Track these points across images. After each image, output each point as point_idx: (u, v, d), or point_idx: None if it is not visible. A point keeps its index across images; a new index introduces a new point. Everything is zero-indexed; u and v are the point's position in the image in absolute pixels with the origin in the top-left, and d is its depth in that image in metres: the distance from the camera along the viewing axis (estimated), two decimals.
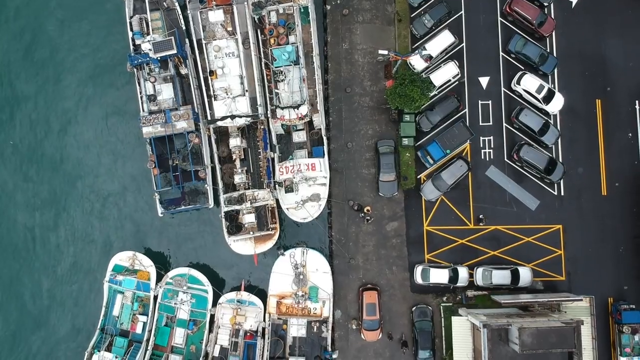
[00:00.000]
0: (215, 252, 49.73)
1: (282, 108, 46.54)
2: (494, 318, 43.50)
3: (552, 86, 48.93)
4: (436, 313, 47.37)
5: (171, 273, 47.94)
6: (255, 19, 47.55)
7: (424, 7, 49.65)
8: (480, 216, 47.41)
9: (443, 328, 47.08)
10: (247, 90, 46.53)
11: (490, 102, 49.06)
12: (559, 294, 46.44)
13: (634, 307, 46.19)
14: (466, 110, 49.18)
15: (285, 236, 49.72)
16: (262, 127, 48.45)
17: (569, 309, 45.22)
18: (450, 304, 47.31)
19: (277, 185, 47.82)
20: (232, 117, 46.42)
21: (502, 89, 49.09)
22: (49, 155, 51.59)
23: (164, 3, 48.59)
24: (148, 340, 46.81)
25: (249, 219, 46.79)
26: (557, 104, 48.12)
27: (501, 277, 46.20)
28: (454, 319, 45.93)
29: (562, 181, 48.27)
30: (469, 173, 48.11)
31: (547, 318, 42.81)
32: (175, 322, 47.21)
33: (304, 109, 46.15)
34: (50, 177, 51.29)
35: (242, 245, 47.84)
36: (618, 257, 48.05)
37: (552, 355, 40.98)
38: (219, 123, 46.74)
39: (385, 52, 45.38)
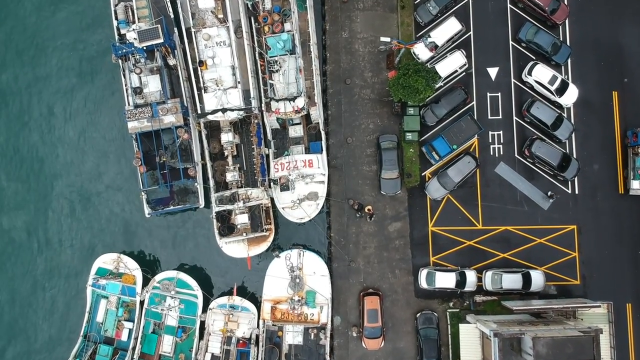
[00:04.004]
0: (206, 254, 48.65)
1: (277, 100, 45.14)
2: (505, 326, 41.59)
3: (566, 77, 47.51)
4: (442, 320, 45.94)
5: (158, 277, 46.78)
6: (248, 6, 45.96)
7: None
8: (550, 193, 46.00)
9: (450, 336, 45.58)
10: (239, 82, 45.12)
11: (499, 94, 47.69)
12: (574, 299, 44.75)
13: None
14: (474, 103, 47.76)
15: (281, 237, 48.41)
16: (255, 121, 47.11)
17: (585, 316, 43.41)
18: (457, 310, 45.86)
19: (272, 184, 46.48)
20: (224, 110, 45.06)
21: (512, 80, 47.79)
22: (27, 152, 50.04)
23: None
24: (134, 348, 45.66)
25: (241, 219, 45.50)
26: (571, 96, 46.67)
27: (512, 281, 44.58)
28: (462, 326, 44.49)
29: (576, 179, 46.82)
30: (477, 170, 46.75)
31: (563, 326, 40.88)
32: (163, 329, 46.14)
33: (300, 102, 44.71)
34: (28, 175, 49.85)
35: (235, 248, 46.61)
36: (636, 259, 46.37)
37: None
38: (210, 117, 45.39)
39: (388, 40, 43.81)
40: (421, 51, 46.48)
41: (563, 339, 38.39)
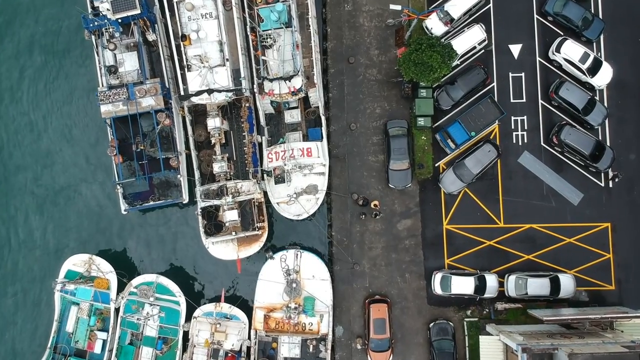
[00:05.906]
0: (190, 256, 46.98)
1: (271, 80, 42.42)
2: (533, 338, 37.78)
3: (599, 55, 44.84)
4: (459, 330, 43.77)
5: (135, 281, 44.94)
6: None
7: None
8: (613, 172, 43.46)
9: (467, 349, 43.17)
10: (227, 60, 42.43)
11: (523, 74, 45.29)
12: (610, 308, 41.42)
13: None
14: (494, 84, 45.41)
15: (275, 237, 46.73)
16: (247, 104, 44.80)
17: (625, 327, 39.71)
18: (476, 319, 43.54)
19: (265, 175, 44.46)
20: (210, 91, 42.69)
21: (538, 58, 45.32)
22: None
23: None
24: None
25: (230, 216, 43.48)
26: (604, 77, 44.16)
27: (538, 286, 42.10)
28: (482, 338, 41.23)
29: (610, 170, 44.15)
30: (498, 160, 44.55)
31: (601, 339, 37.06)
32: (141, 340, 44.31)
33: (297, 82, 41.99)
34: None
35: (223, 248, 44.53)
36: None
37: None
38: (194, 99, 43.06)
39: (399, 8, 41.23)
40: (435, 25, 44.10)
41: (604, 355, 34.61)
